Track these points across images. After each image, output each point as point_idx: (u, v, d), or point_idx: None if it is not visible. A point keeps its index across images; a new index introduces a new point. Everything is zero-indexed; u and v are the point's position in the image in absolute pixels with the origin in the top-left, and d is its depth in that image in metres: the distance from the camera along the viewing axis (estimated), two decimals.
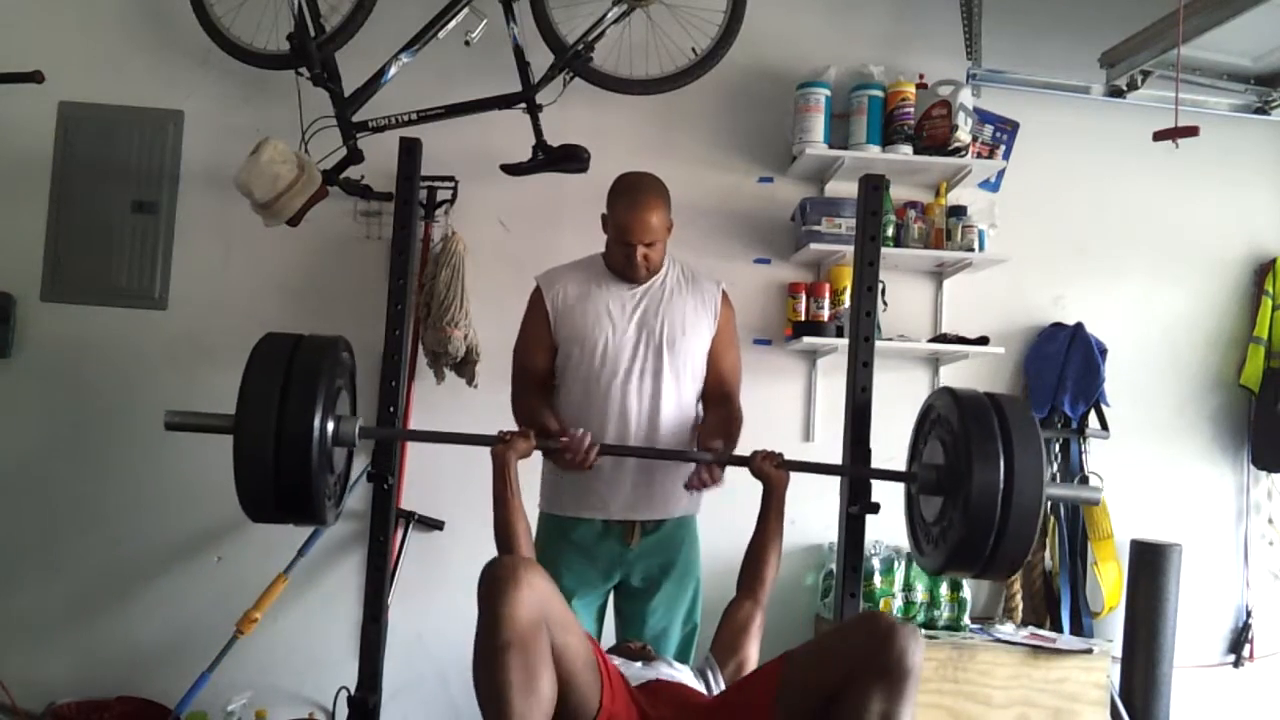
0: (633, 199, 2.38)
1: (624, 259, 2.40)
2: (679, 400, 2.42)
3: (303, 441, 1.92)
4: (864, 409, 2.31)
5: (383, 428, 2.24)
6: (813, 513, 3.24)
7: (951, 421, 2.02)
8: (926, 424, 2.19)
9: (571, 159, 3.07)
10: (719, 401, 2.48)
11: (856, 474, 2.28)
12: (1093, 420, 3.43)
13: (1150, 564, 3.27)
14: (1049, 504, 3.35)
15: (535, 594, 1.66)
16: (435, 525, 3.25)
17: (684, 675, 2.03)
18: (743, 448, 3.24)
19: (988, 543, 1.92)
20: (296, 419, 1.92)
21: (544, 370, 2.48)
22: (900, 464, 2.31)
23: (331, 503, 2.11)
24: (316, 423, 1.93)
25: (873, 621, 1.68)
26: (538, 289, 2.49)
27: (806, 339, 3.22)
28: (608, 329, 2.40)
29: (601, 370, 2.39)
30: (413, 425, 3.20)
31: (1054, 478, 3.42)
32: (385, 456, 2.27)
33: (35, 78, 2.75)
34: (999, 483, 1.90)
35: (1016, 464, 1.91)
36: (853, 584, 2.27)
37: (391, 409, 2.28)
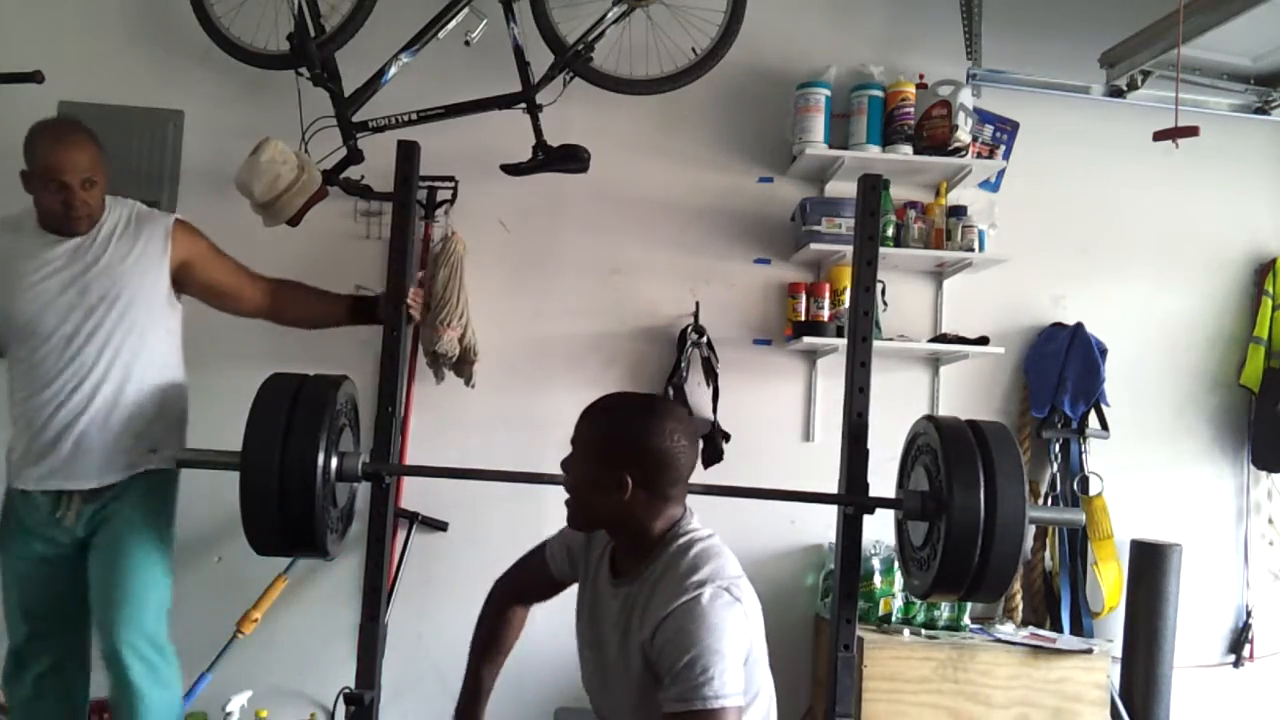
0: (57, 135, 2.23)
1: (63, 205, 2.21)
2: (127, 363, 2.26)
3: (306, 478, 1.97)
4: (862, 411, 2.31)
5: (385, 463, 2.25)
6: (813, 513, 3.25)
7: (935, 449, 2.07)
8: (913, 451, 2.23)
9: (571, 159, 3.07)
10: (271, 288, 2.50)
11: (848, 502, 2.28)
12: (1093, 420, 3.43)
13: (1150, 564, 3.27)
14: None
15: None
16: (439, 526, 3.25)
17: None
18: (742, 447, 3.26)
19: (970, 567, 1.99)
20: (300, 456, 1.97)
21: None
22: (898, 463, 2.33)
23: (335, 536, 2.14)
24: (320, 460, 1.98)
25: None
26: None
27: (806, 339, 3.21)
28: (25, 294, 2.22)
29: (30, 342, 2.22)
30: (413, 426, 3.21)
31: (1054, 478, 3.42)
32: (384, 453, 2.28)
33: (35, 78, 2.75)
34: (980, 509, 1.96)
35: (998, 490, 1.97)
36: (850, 583, 2.27)
37: (390, 409, 2.28)
